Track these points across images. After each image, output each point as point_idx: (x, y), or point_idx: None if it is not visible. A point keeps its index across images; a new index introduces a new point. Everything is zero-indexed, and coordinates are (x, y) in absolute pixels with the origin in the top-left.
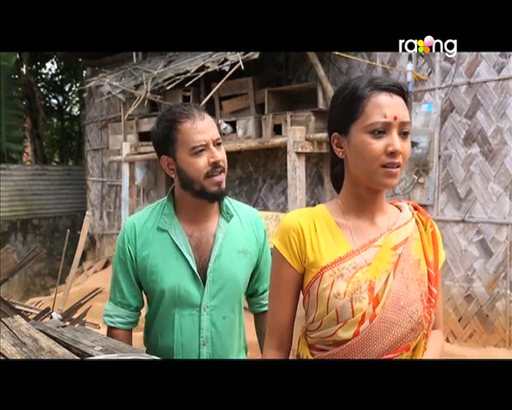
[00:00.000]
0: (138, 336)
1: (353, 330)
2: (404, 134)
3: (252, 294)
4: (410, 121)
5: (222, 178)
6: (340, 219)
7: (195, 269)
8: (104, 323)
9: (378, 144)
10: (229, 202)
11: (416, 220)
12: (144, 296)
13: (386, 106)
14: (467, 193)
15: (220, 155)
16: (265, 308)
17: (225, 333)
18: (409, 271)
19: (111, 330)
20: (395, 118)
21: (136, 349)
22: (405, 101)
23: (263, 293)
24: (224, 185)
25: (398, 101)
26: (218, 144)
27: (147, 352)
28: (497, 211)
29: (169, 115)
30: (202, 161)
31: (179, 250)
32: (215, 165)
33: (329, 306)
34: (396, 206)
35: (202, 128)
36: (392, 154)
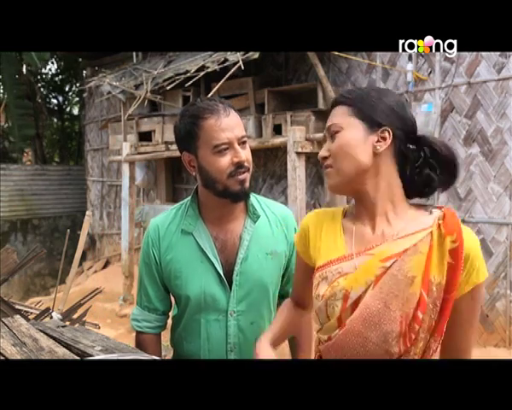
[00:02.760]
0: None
1: (328, 335)
2: None
3: (283, 295)
4: None
5: (245, 176)
6: (349, 223)
7: (221, 272)
8: (132, 327)
9: None
10: (256, 200)
11: (432, 232)
12: (172, 297)
13: None
14: (467, 193)
15: (245, 154)
16: None
17: (254, 339)
18: (392, 287)
19: (139, 335)
20: None
21: (136, 349)
22: None
23: None
24: (247, 185)
25: None
26: (243, 143)
27: (174, 352)
28: (497, 211)
29: (192, 110)
30: (225, 161)
31: (204, 253)
32: (238, 165)
33: (314, 305)
34: (430, 212)
35: (227, 125)
36: None
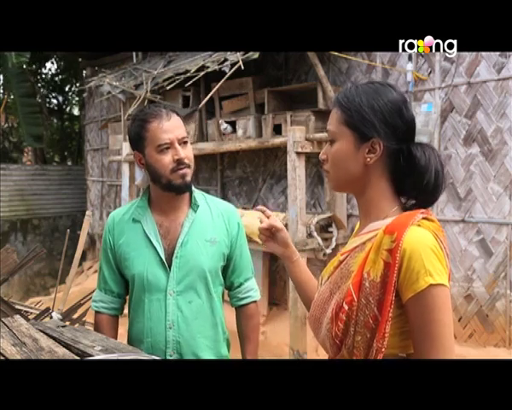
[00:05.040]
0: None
1: None
2: None
3: (229, 287)
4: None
5: (186, 172)
6: None
7: (163, 256)
8: (91, 308)
9: None
10: (202, 195)
11: (378, 232)
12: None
13: None
14: (467, 193)
15: (184, 152)
16: (243, 302)
17: (191, 317)
18: (338, 278)
19: (96, 316)
20: None
21: (135, 349)
22: None
23: (239, 286)
24: (188, 179)
25: None
26: (185, 143)
27: (128, 339)
28: (497, 211)
29: (141, 115)
30: (167, 158)
31: (149, 238)
32: (179, 162)
33: None
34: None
35: (168, 128)
36: None
